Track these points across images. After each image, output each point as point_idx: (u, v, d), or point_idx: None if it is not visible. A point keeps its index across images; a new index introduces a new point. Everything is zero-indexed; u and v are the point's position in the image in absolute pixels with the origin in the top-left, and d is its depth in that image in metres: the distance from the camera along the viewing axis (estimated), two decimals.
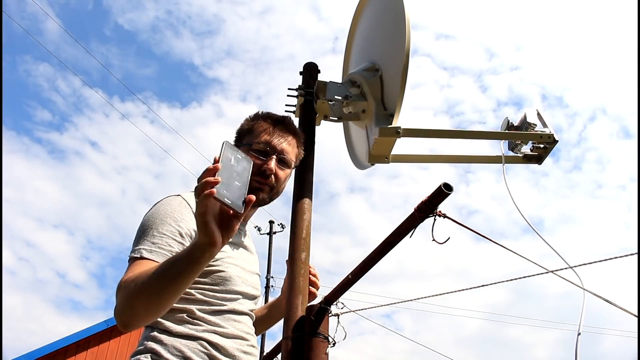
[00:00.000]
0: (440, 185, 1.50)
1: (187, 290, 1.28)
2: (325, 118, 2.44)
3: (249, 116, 1.60)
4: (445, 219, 1.56)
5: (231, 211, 0.99)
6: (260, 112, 1.59)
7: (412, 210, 1.58)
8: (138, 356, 1.25)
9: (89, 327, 9.39)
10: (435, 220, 1.55)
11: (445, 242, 1.54)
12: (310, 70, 2.58)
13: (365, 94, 2.31)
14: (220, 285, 1.34)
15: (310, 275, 1.79)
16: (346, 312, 2.04)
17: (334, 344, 1.88)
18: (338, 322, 1.97)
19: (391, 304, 2.46)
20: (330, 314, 1.91)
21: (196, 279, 1.31)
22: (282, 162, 1.50)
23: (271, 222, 16.25)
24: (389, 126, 2.07)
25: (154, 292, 1.10)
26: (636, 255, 1.70)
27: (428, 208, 1.54)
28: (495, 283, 2.01)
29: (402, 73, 2.01)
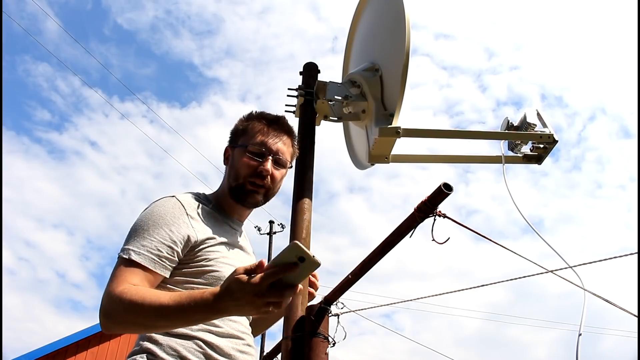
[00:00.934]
0: (440, 185, 1.50)
1: (180, 289, 1.29)
2: (325, 118, 2.44)
3: (243, 116, 1.60)
4: (445, 219, 1.57)
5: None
6: (254, 112, 1.59)
7: (412, 210, 1.59)
8: (134, 356, 1.25)
9: (89, 327, 9.38)
10: (435, 220, 1.55)
11: (445, 242, 1.54)
12: (310, 71, 2.58)
13: (365, 94, 2.31)
14: (214, 285, 1.33)
15: (310, 276, 1.79)
16: (346, 312, 2.04)
17: (333, 344, 1.88)
18: (338, 322, 1.97)
19: (391, 304, 2.47)
20: (330, 314, 1.91)
21: (190, 279, 1.31)
22: (278, 163, 1.50)
23: (271, 222, 16.24)
24: (389, 126, 2.07)
25: (151, 325, 1.17)
26: (636, 255, 1.70)
27: (428, 208, 1.54)
28: (495, 283, 2.01)
29: (402, 73, 2.01)
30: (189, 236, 1.31)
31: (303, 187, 2.20)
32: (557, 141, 2.31)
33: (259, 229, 16.30)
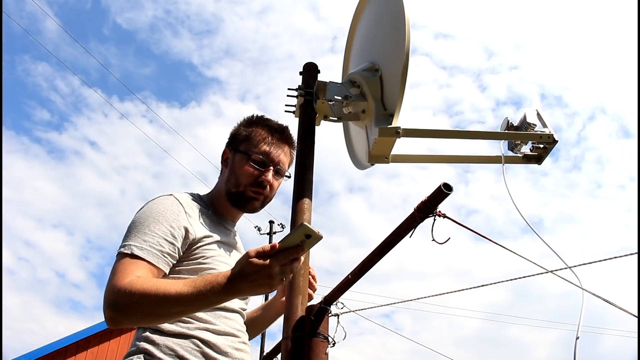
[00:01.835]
0: (440, 185, 1.50)
1: (183, 278, 1.29)
2: (325, 118, 2.44)
3: (245, 120, 1.60)
4: (445, 219, 1.57)
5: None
6: (255, 117, 1.60)
7: (412, 210, 1.58)
8: (131, 357, 1.25)
9: (89, 327, 9.39)
10: (435, 220, 1.55)
11: (445, 242, 1.54)
12: (310, 71, 2.58)
13: (365, 94, 2.31)
14: None
15: (309, 277, 1.80)
16: (346, 312, 2.04)
17: (333, 344, 1.88)
18: (338, 322, 1.97)
19: (391, 304, 2.47)
20: (330, 314, 1.91)
21: (186, 276, 1.32)
22: (277, 173, 1.54)
23: (271, 222, 16.26)
24: (389, 126, 2.07)
25: (164, 314, 1.16)
26: (636, 255, 1.70)
27: (428, 208, 1.54)
28: (494, 283, 2.01)
29: (402, 73, 2.01)
30: (187, 232, 1.32)
31: (303, 187, 2.20)
32: (557, 141, 2.31)
33: (259, 229, 16.31)
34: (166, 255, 1.27)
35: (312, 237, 1.07)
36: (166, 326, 1.27)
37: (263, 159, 1.50)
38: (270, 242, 16.16)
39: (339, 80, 2.68)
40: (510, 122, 2.38)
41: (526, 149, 2.41)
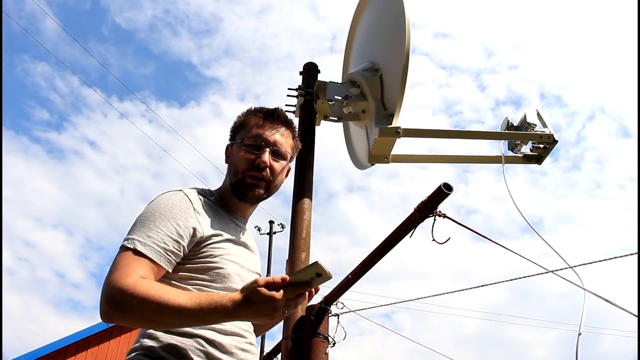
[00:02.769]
0: (440, 185, 1.50)
1: (184, 287, 1.28)
2: (325, 118, 2.44)
3: (242, 112, 1.59)
4: (445, 218, 1.56)
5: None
6: (252, 108, 1.58)
7: (412, 210, 1.58)
8: (133, 354, 1.24)
9: (89, 327, 9.37)
10: (435, 220, 1.55)
11: (445, 242, 1.54)
12: (310, 71, 2.58)
13: (365, 94, 2.31)
14: (218, 282, 1.33)
15: None
16: (346, 312, 2.04)
17: (333, 344, 1.88)
18: (338, 322, 1.97)
19: (391, 304, 2.47)
20: (330, 314, 1.91)
21: (195, 274, 1.31)
22: (277, 154, 1.47)
23: (271, 222, 16.22)
24: (389, 126, 2.07)
25: (161, 322, 1.17)
26: (636, 255, 1.70)
27: (428, 208, 1.54)
28: (494, 283, 2.01)
29: (402, 73, 2.01)
30: (195, 231, 1.30)
31: (303, 187, 2.21)
32: (557, 141, 2.31)
33: (259, 229, 16.29)
34: (169, 253, 1.25)
35: (322, 276, 1.08)
36: None
37: (256, 142, 1.46)
38: (270, 242, 16.13)
39: (339, 80, 2.68)
40: (510, 122, 2.37)
41: (526, 149, 2.41)
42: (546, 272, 1.73)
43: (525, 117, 2.33)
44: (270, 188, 1.47)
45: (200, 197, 1.41)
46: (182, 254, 1.29)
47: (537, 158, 2.40)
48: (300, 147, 1.61)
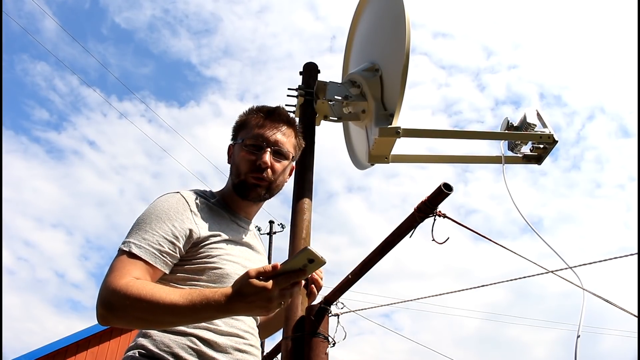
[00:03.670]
0: (440, 185, 1.50)
1: (182, 287, 1.28)
2: (325, 118, 2.44)
3: (243, 112, 1.58)
4: (445, 218, 1.56)
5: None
6: (253, 107, 1.57)
7: (412, 210, 1.58)
8: (129, 352, 1.25)
9: (89, 327, 9.37)
10: (435, 220, 1.55)
11: (444, 242, 1.54)
12: (310, 71, 2.58)
13: (365, 94, 2.31)
14: (217, 282, 1.32)
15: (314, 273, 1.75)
16: (346, 312, 2.04)
17: (333, 344, 1.88)
18: (338, 322, 1.97)
19: (391, 304, 2.47)
20: (330, 314, 1.91)
21: (193, 275, 1.30)
22: (278, 154, 1.45)
23: (271, 222, 16.22)
24: (389, 126, 2.07)
25: (155, 321, 1.16)
26: (636, 255, 1.70)
27: (428, 208, 1.54)
28: (494, 283, 2.01)
29: (402, 73, 2.01)
30: (191, 232, 1.30)
31: (303, 187, 2.21)
32: (557, 141, 2.31)
33: (259, 229, 16.30)
34: (165, 254, 1.25)
35: (315, 262, 1.04)
36: None
37: (257, 142, 1.45)
38: (270, 242, 16.14)
39: (339, 80, 2.69)
40: (510, 122, 2.38)
41: (526, 149, 2.41)
42: (546, 272, 1.73)
43: (525, 117, 2.33)
44: (272, 188, 1.46)
45: (198, 198, 1.40)
46: (178, 255, 1.29)
47: (537, 158, 2.40)
48: (303, 145, 1.60)
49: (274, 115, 1.49)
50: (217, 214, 1.42)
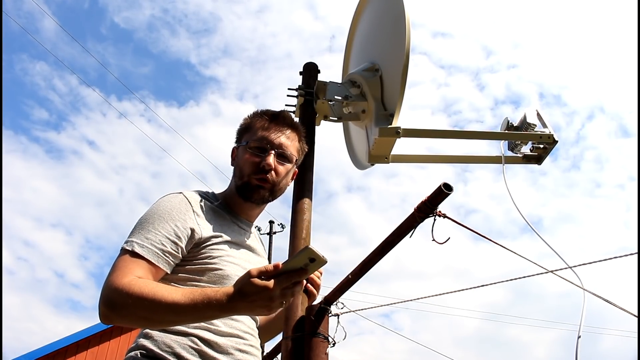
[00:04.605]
0: (440, 185, 1.50)
1: (183, 287, 1.28)
2: (325, 118, 2.44)
3: (248, 115, 1.58)
4: (445, 218, 1.57)
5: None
6: (258, 110, 1.58)
7: (412, 210, 1.58)
8: (130, 353, 1.26)
9: (89, 327, 9.38)
10: (435, 220, 1.55)
11: (445, 242, 1.54)
12: (310, 71, 2.58)
13: (365, 94, 2.31)
14: (217, 283, 1.33)
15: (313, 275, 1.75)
16: (346, 312, 2.04)
17: (333, 344, 1.88)
18: (338, 322, 1.97)
19: (391, 304, 2.47)
20: (330, 314, 1.91)
21: (193, 276, 1.31)
22: (282, 157, 1.46)
23: (271, 222, 16.22)
24: (389, 126, 2.07)
25: (157, 320, 1.16)
26: (636, 255, 1.70)
27: (428, 208, 1.54)
28: (494, 283, 2.01)
29: (402, 73, 2.01)
30: (193, 232, 1.31)
31: (303, 187, 2.21)
32: (557, 141, 2.31)
33: (259, 229, 16.30)
34: (167, 254, 1.26)
35: (316, 261, 1.05)
36: None
37: (261, 144, 1.46)
38: (270, 242, 16.14)
39: (339, 80, 2.69)
40: (510, 122, 2.38)
41: (526, 149, 2.41)
42: (546, 272, 1.73)
43: (525, 117, 2.33)
44: (275, 191, 1.47)
45: (201, 199, 1.41)
46: (180, 256, 1.29)
47: (537, 158, 2.41)
48: (306, 149, 1.61)
49: (278, 119, 1.50)
50: (219, 216, 1.43)
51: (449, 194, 1.49)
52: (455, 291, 2.13)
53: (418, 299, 2.24)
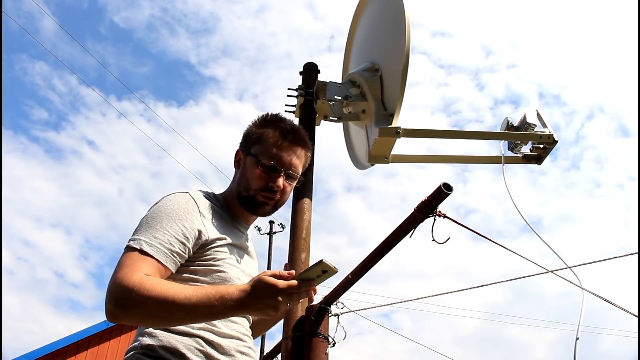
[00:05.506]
0: (440, 186, 1.50)
1: (191, 286, 1.28)
2: (325, 118, 2.44)
3: (257, 120, 1.54)
4: (445, 218, 1.56)
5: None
6: (269, 117, 1.54)
7: (412, 210, 1.58)
8: (131, 352, 1.24)
9: (89, 327, 9.38)
10: (435, 220, 1.55)
11: (445, 242, 1.54)
12: (310, 71, 2.58)
13: (365, 94, 2.31)
14: (220, 285, 1.34)
15: None
16: (346, 312, 2.04)
17: (333, 344, 1.88)
18: (338, 322, 1.97)
19: (390, 304, 2.47)
20: (330, 314, 1.91)
21: (197, 277, 1.31)
22: (290, 177, 1.47)
23: (271, 222, 16.22)
24: (389, 126, 2.07)
25: (168, 318, 1.16)
26: (636, 255, 1.70)
27: (428, 208, 1.54)
28: (494, 283, 2.01)
29: (402, 73, 2.01)
30: (200, 233, 1.30)
31: (303, 188, 2.21)
32: (557, 141, 2.31)
33: (259, 229, 16.30)
34: (175, 254, 1.25)
35: (328, 272, 1.12)
36: None
37: (274, 164, 1.45)
38: (270, 242, 16.13)
39: (338, 80, 2.69)
40: (510, 122, 2.38)
41: (526, 149, 2.41)
42: (545, 272, 1.73)
43: (525, 117, 2.33)
44: (277, 206, 1.50)
45: (206, 200, 1.41)
46: (186, 256, 1.29)
47: (536, 158, 2.41)
48: (309, 161, 1.61)
49: (295, 138, 1.49)
50: (222, 218, 1.43)
51: (449, 194, 1.49)
52: (455, 291, 2.13)
53: (418, 299, 2.24)
